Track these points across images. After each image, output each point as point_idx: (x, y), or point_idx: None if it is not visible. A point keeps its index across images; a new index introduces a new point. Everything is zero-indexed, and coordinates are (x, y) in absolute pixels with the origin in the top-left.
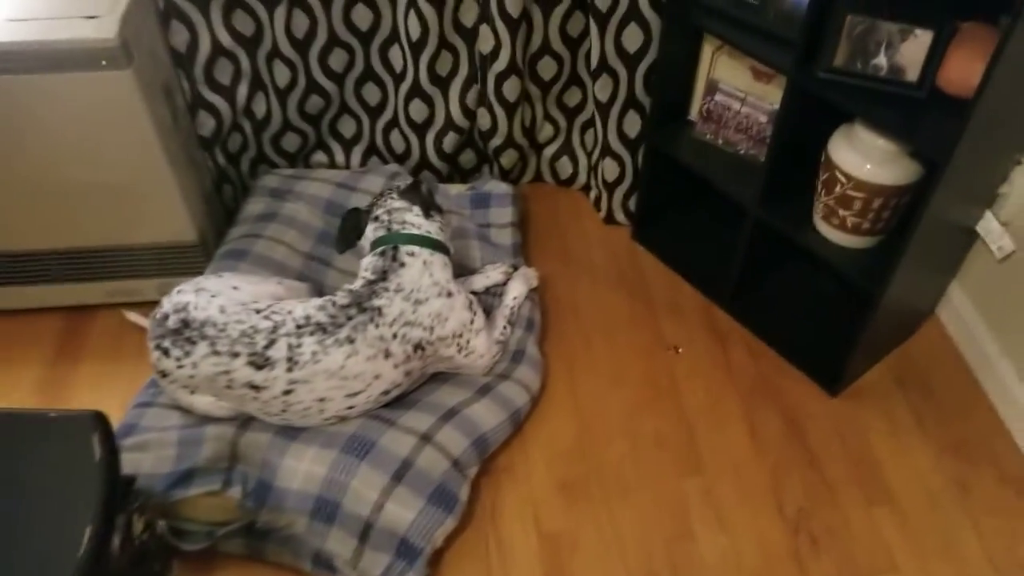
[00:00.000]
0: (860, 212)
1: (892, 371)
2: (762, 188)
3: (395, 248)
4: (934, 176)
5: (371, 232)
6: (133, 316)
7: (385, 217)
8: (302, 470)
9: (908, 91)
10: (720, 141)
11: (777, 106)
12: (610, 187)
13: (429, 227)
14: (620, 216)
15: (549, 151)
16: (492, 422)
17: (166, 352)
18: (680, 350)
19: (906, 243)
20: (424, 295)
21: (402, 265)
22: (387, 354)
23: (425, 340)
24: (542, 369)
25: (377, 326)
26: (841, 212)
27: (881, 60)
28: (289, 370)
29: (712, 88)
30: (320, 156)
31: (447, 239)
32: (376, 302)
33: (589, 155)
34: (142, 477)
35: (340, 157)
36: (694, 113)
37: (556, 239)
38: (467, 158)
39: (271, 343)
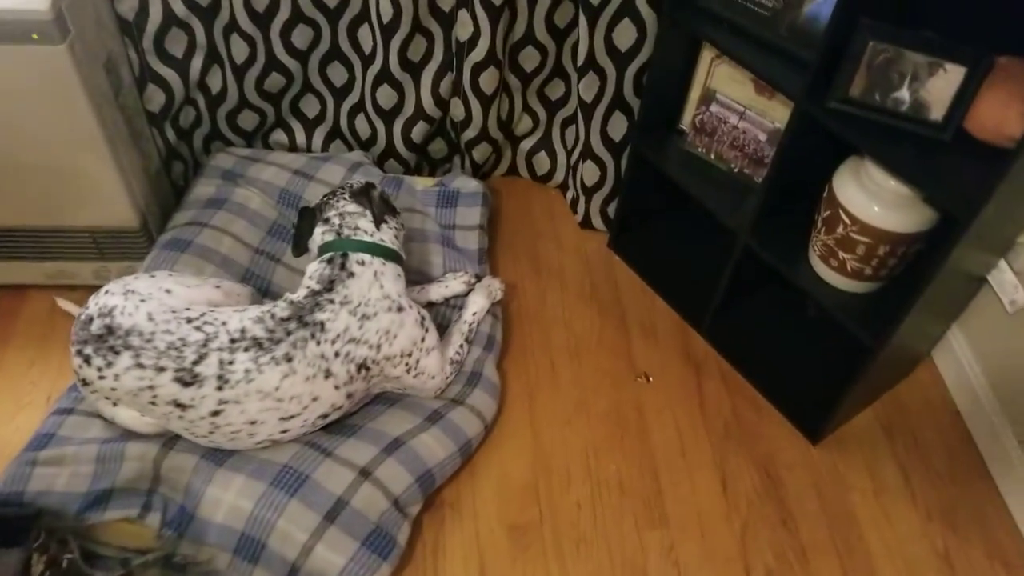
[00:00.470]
0: (863, 257)
1: (880, 418)
2: (755, 215)
3: (344, 256)
4: (954, 230)
5: (319, 235)
6: (64, 303)
7: (336, 220)
8: (227, 502)
9: (930, 131)
10: (712, 156)
11: (779, 124)
12: (589, 191)
13: (383, 235)
14: (597, 221)
15: (526, 145)
16: (440, 455)
17: (87, 360)
18: (651, 379)
19: (913, 296)
20: (372, 309)
21: (350, 275)
22: (328, 374)
23: (371, 359)
24: (499, 394)
25: (318, 343)
26: (841, 254)
27: (903, 94)
28: (219, 388)
29: (708, 98)
30: (280, 136)
31: (401, 246)
32: (319, 316)
33: (569, 153)
34: (55, 496)
35: (301, 138)
36: (686, 122)
37: (527, 241)
38: (437, 148)
39: (201, 358)
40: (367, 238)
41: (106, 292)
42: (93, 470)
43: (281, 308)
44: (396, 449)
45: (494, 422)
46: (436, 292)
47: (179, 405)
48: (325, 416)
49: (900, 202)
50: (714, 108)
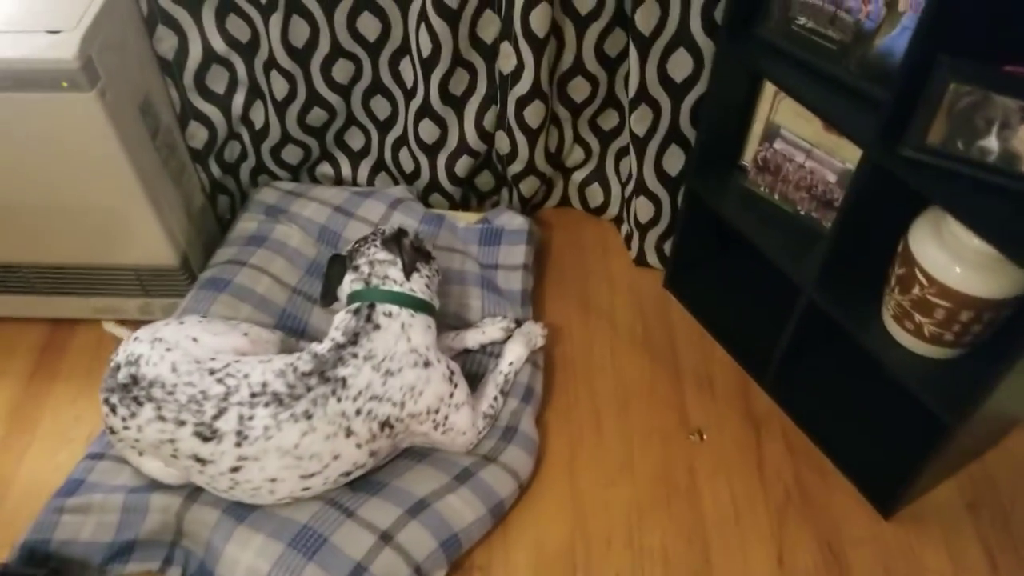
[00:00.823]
0: (942, 322)
1: (963, 491)
2: (821, 266)
3: (371, 307)
4: None
5: (348, 283)
6: (111, 327)
7: (365, 268)
8: (244, 563)
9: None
10: (776, 196)
11: (850, 165)
12: (643, 227)
13: (414, 284)
14: (653, 259)
15: (578, 176)
16: (468, 518)
17: (113, 409)
18: (705, 436)
19: (1002, 368)
20: (397, 365)
21: (376, 328)
22: (349, 432)
23: (394, 417)
24: (537, 450)
25: (339, 400)
26: (918, 317)
27: (991, 143)
28: (238, 445)
29: (772, 134)
30: (325, 169)
31: (434, 294)
32: (341, 371)
33: (623, 186)
34: (80, 546)
35: (347, 171)
36: (748, 159)
37: (576, 279)
38: (484, 181)
39: (220, 412)
40: (396, 288)
41: (135, 339)
42: (118, 520)
43: (304, 361)
44: (420, 511)
45: (531, 479)
46: (472, 339)
47: (199, 460)
48: (347, 474)
49: (986, 264)
50: (778, 145)
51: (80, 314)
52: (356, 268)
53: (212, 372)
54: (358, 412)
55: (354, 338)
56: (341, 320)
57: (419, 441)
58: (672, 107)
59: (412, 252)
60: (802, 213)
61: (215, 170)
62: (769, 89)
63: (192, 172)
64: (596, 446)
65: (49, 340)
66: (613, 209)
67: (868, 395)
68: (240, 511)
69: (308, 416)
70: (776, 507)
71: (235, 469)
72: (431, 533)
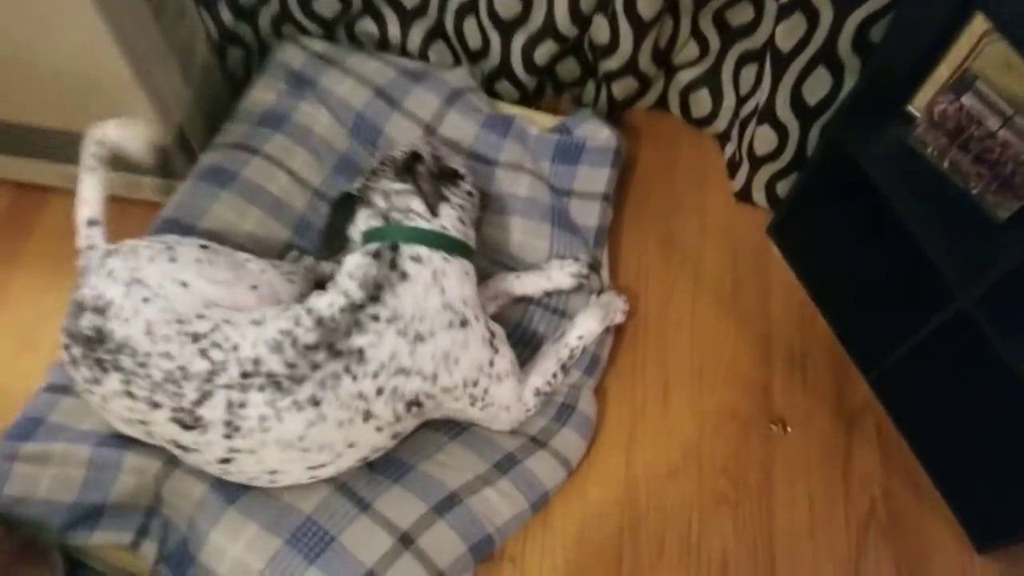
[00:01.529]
0: None
1: None
2: (994, 282)
3: (395, 248)
4: None
5: (363, 220)
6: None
7: (381, 202)
8: (232, 555)
9: None
10: (945, 163)
11: None
12: (757, 160)
13: (444, 219)
14: (759, 196)
15: (685, 76)
16: (505, 515)
17: (75, 362)
18: (789, 429)
19: None
20: (428, 327)
21: (403, 276)
22: (367, 416)
23: (424, 393)
24: (593, 433)
25: (355, 378)
26: None
27: None
28: (228, 436)
29: (963, 84)
30: (367, 25)
31: (470, 228)
32: (357, 340)
33: (740, 99)
34: (35, 504)
35: (394, 31)
36: (919, 106)
37: (661, 207)
38: (567, 69)
39: (204, 397)
40: (424, 224)
41: (109, 273)
42: (84, 476)
43: (306, 328)
44: (450, 509)
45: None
46: (533, 284)
47: (180, 447)
48: (365, 459)
49: None
50: (968, 100)
51: (50, 180)
52: (370, 203)
53: (195, 339)
54: (379, 391)
55: (376, 292)
56: (356, 265)
57: (453, 415)
58: (834, 21)
59: (432, 181)
60: (975, 192)
61: (226, 14)
62: (978, 25)
63: (194, 17)
64: (660, 424)
65: (12, 207)
66: (720, 123)
67: (990, 415)
68: (231, 489)
69: (315, 403)
70: (858, 522)
71: (226, 460)
72: (460, 535)
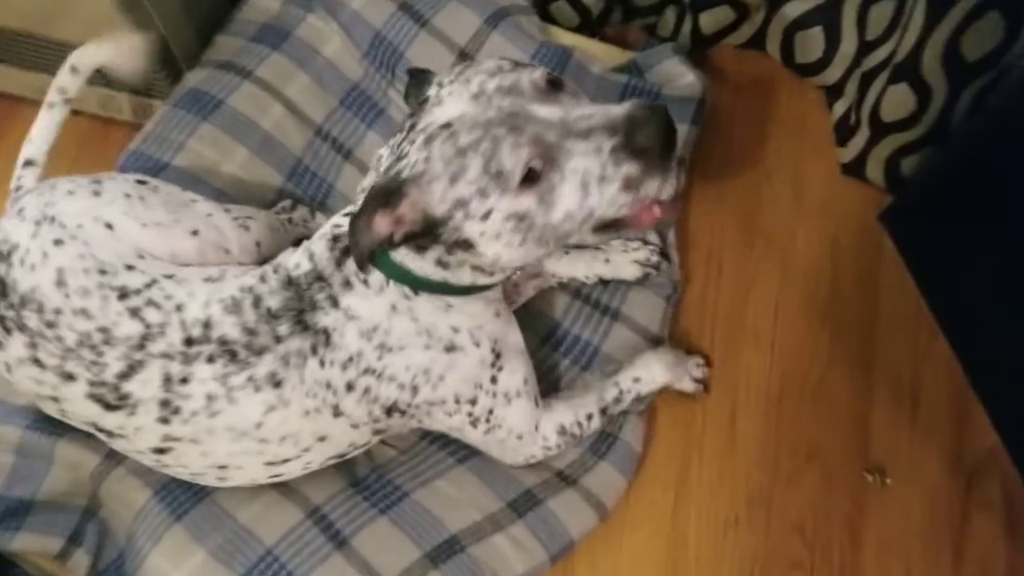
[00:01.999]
0: None
1: None
2: None
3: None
4: None
5: (377, 160)
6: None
7: (386, 160)
8: None
9: None
10: None
11: None
12: (883, 126)
13: (411, 262)
14: (875, 172)
15: (793, 10)
16: (517, 569)
17: None
18: (888, 481)
19: None
20: (398, 341)
21: (347, 285)
22: (337, 411)
23: (404, 403)
24: (636, 467)
25: (323, 363)
26: None
27: None
28: (163, 421)
29: None
30: None
31: (458, 271)
32: (321, 319)
33: (866, 48)
34: None
35: None
36: None
37: (746, 175)
38: None
39: (132, 368)
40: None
41: (19, 212)
42: (12, 464)
43: (271, 289)
44: (448, 558)
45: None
46: (586, 266)
47: (103, 431)
48: (342, 456)
49: None
50: None
51: (16, 90)
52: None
53: (123, 295)
54: (350, 387)
55: (339, 264)
56: (333, 224)
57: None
58: None
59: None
60: None
61: None
62: None
63: None
64: (721, 460)
65: None
66: (832, 73)
67: None
68: (179, 499)
69: (276, 383)
70: None
71: (161, 451)
72: None
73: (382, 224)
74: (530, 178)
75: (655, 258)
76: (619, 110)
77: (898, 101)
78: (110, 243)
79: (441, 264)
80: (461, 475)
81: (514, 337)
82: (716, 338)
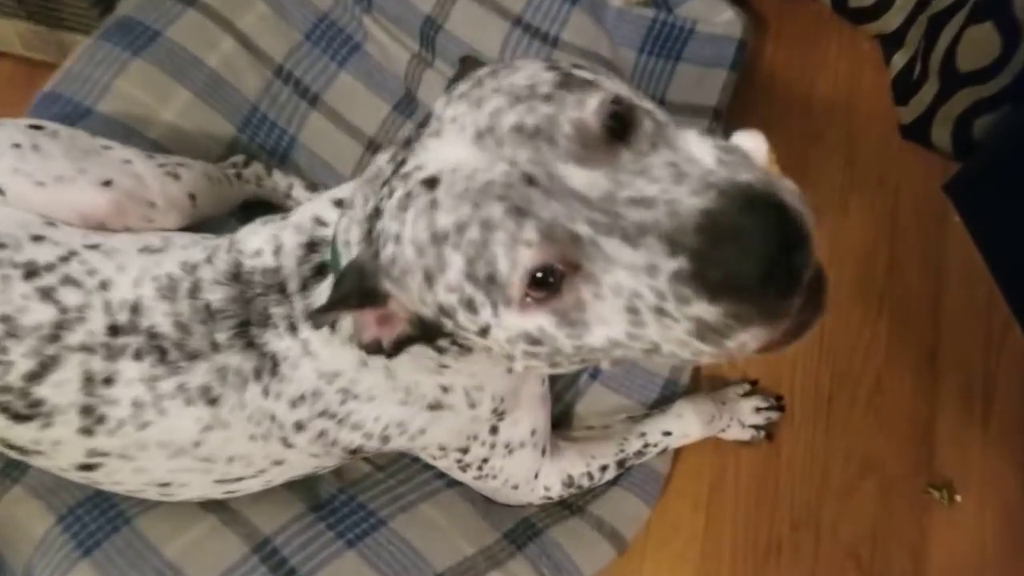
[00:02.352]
0: None
1: None
2: None
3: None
4: None
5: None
6: None
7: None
8: None
9: None
10: None
11: None
12: (953, 78)
13: None
14: (941, 136)
15: None
16: None
17: None
18: (958, 497)
19: None
20: (367, 391)
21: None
22: (288, 444)
23: (370, 448)
24: (661, 487)
25: (267, 394)
26: None
27: None
28: (87, 432)
29: None
30: None
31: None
32: (272, 341)
33: None
34: None
35: None
36: None
37: (789, 138)
38: None
39: (44, 367)
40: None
41: None
42: None
43: (216, 273)
44: None
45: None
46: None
47: (13, 447)
48: (309, 475)
49: None
50: None
51: None
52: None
53: (31, 274)
54: (299, 427)
55: (287, 290)
56: (312, 215)
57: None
58: None
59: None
60: None
61: None
62: None
63: None
64: (761, 474)
65: None
66: (891, 20)
67: None
68: (89, 526)
69: (211, 399)
70: None
71: (88, 467)
72: None
73: (363, 325)
74: (543, 284)
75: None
76: (690, 202)
77: (979, 45)
78: (3, 210)
79: (441, 349)
80: (450, 499)
81: (531, 388)
82: None
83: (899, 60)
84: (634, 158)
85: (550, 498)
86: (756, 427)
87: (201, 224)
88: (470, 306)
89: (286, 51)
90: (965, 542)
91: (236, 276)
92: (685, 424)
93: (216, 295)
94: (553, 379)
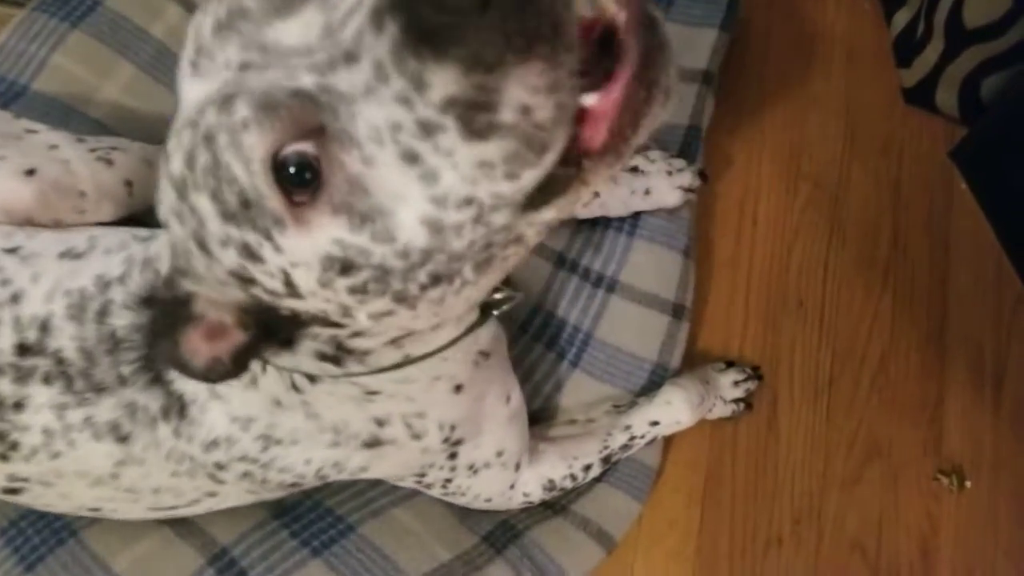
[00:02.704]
0: None
1: None
2: None
3: None
4: None
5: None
6: None
7: None
8: None
9: None
10: None
11: None
12: (962, 35)
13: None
14: (947, 99)
15: None
16: None
17: None
18: (968, 483)
19: None
20: (288, 435)
21: None
22: (217, 480)
23: (308, 484)
24: (652, 481)
25: (177, 435)
26: None
27: None
28: (3, 458)
29: None
30: None
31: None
32: (179, 381)
33: None
34: None
35: None
36: None
37: (786, 104)
38: None
39: None
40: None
41: None
42: None
43: (127, 292)
44: None
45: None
46: (620, 205)
47: None
48: (250, 502)
49: None
50: None
51: None
52: None
53: None
54: (221, 467)
55: None
56: None
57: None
58: None
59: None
60: None
61: None
62: None
63: None
64: (760, 462)
65: None
66: None
67: None
68: (32, 539)
69: (121, 437)
70: None
71: (12, 491)
72: None
73: (191, 349)
74: (300, 179)
75: (697, 181)
76: None
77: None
78: None
79: (328, 358)
80: (425, 502)
81: (493, 410)
82: (750, 309)
83: (901, 18)
84: None
85: (531, 503)
86: (736, 400)
87: (147, 213)
88: (251, 254)
89: None
90: (976, 531)
91: (148, 301)
92: (674, 411)
93: (123, 321)
94: (529, 374)
